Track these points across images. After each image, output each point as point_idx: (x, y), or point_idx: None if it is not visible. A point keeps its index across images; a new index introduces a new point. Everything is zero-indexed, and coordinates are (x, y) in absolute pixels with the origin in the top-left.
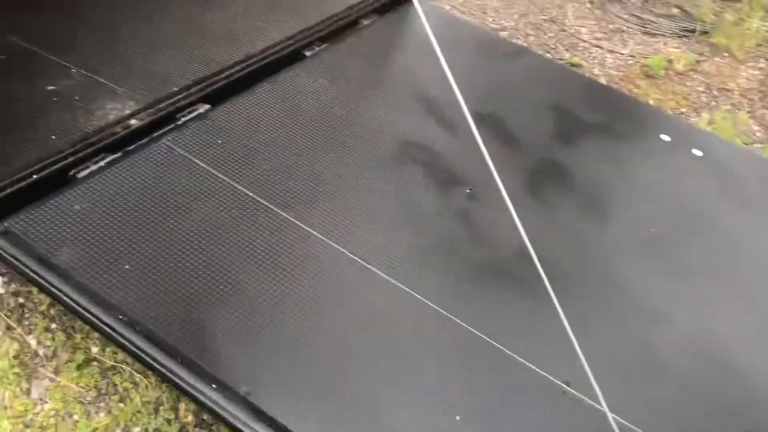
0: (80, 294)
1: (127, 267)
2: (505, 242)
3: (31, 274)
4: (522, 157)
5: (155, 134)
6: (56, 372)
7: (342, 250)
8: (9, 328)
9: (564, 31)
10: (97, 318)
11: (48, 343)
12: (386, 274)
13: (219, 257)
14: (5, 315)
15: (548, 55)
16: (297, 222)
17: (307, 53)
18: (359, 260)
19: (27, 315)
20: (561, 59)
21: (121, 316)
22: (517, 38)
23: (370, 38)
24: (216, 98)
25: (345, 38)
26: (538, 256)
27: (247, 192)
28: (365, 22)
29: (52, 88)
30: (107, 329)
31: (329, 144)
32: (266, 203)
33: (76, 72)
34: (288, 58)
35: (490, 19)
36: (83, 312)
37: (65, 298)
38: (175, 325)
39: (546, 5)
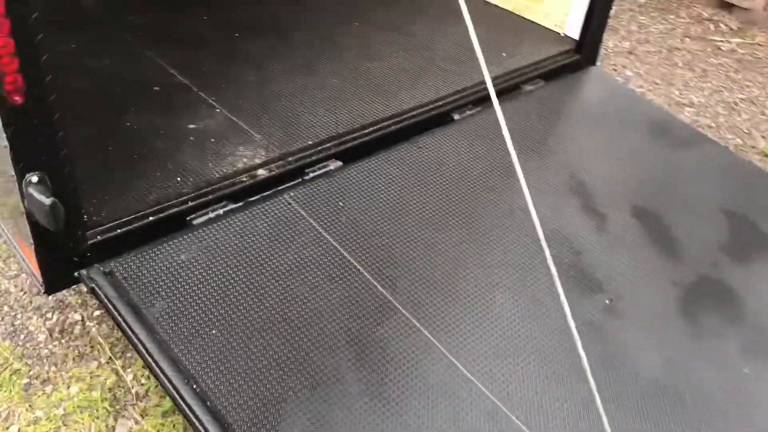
0: (159, 353)
1: (214, 332)
2: (642, 373)
3: (121, 321)
4: (681, 270)
5: (280, 188)
6: (143, 414)
7: (453, 360)
8: (111, 359)
9: (764, 114)
10: (170, 381)
11: (143, 381)
12: (498, 399)
13: (313, 340)
14: (111, 344)
15: (738, 140)
16: (407, 315)
17: (456, 116)
18: (469, 376)
19: (131, 347)
20: (754, 147)
21: (194, 386)
22: (705, 117)
23: (529, 106)
24: (349, 156)
25: (501, 103)
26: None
27: (358, 268)
28: (528, 87)
29: (193, 126)
30: (176, 395)
31: (459, 224)
32: (377, 284)
33: (219, 112)
34: (435, 120)
35: (677, 92)
36: (157, 371)
37: (145, 354)
38: (247, 410)
39: (746, 82)
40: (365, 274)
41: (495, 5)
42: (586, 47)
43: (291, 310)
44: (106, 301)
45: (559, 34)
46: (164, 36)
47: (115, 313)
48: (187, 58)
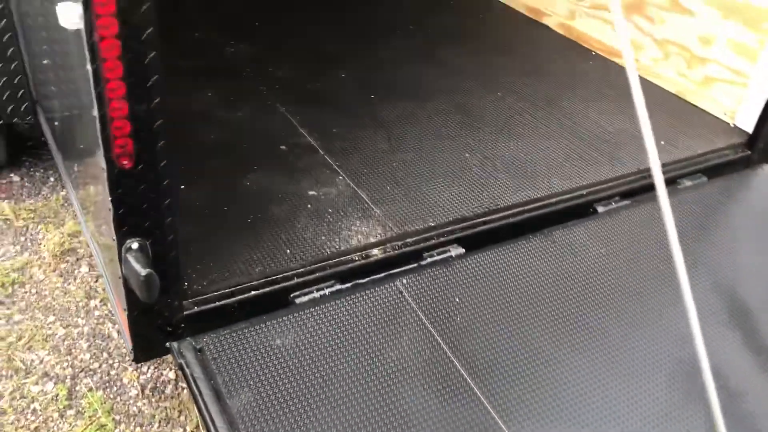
0: None
1: None
2: None
3: (203, 407)
4: None
5: (393, 271)
6: None
7: None
8: (197, 429)
9: None
10: None
11: None
12: None
13: None
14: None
15: None
16: None
17: (600, 209)
18: None
19: None
20: None
21: None
22: None
23: (684, 205)
24: (474, 242)
25: (652, 199)
26: None
27: (470, 383)
28: (686, 183)
29: (313, 192)
30: None
31: (594, 341)
32: (490, 409)
33: (342, 180)
34: (575, 210)
35: None
36: None
37: None
38: None
39: None
40: (477, 392)
41: (656, 85)
42: (761, 142)
43: (386, 423)
44: (192, 381)
45: (729, 124)
46: (300, 92)
47: (199, 398)
48: (319, 117)
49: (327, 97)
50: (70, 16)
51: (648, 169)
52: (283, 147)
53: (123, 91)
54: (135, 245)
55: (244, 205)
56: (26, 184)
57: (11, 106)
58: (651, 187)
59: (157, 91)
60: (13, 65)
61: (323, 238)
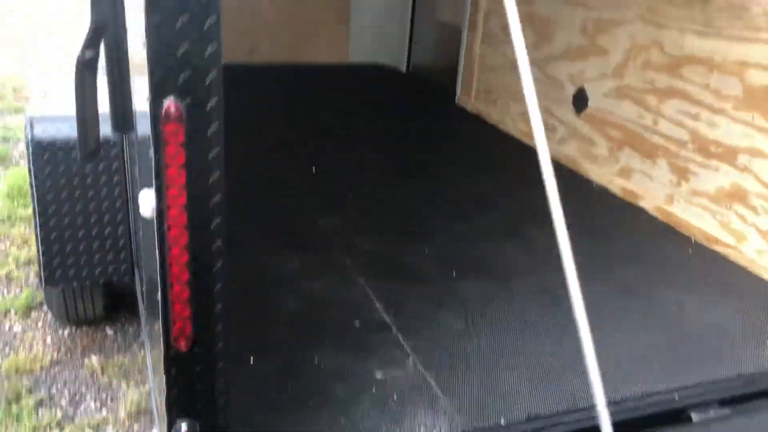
0: None
1: None
2: None
3: None
4: None
5: None
6: None
7: None
8: None
9: None
10: None
11: None
12: None
13: None
14: None
15: None
16: None
17: (695, 416)
18: None
19: None
20: None
21: None
22: None
23: None
24: None
25: (759, 410)
26: None
27: None
28: None
29: (379, 375)
30: None
31: None
32: None
33: (411, 362)
34: (664, 417)
35: None
36: None
37: None
38: None
39: None
40: None
41: (761, 278)
42: None
43: None
44: None
45: None
46: (382, 265)
47: None
48: (397, 292)
49: (408, 272)
50: (147, 204)
51: (753, 374)
52: (356, 322)
53: (186, 276)
54: (184, 427)
55: (307, 383)
56: (118, 338)
57: (113, 266)
58: (756, 396)
59: (220, 277)
60: (119, 230)
61: (384, 427)
